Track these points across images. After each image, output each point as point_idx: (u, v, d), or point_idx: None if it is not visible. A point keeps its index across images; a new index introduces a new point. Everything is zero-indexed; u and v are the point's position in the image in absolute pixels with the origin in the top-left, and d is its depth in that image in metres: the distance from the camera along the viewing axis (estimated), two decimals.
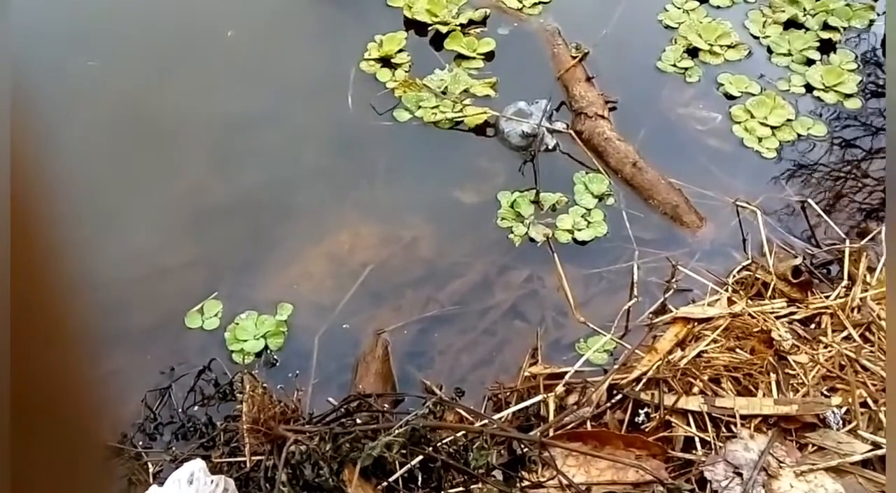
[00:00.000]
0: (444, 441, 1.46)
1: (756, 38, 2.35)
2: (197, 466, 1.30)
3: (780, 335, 1.63)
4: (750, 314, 1.70)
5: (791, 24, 2.37)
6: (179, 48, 2.30)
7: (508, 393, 1.69)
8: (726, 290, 1.81)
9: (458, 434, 1.46)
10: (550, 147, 2.19)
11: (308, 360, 1.78)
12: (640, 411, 1.59)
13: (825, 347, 1.61)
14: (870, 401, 1.52)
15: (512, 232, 2.01)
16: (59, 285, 0.39)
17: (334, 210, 2.05)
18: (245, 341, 1.82)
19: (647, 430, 1.54)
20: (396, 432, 1.36)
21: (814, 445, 1.45)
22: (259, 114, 2.20)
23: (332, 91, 2.27)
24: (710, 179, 2.09)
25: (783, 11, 2.35)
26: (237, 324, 1.84)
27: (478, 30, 2.34)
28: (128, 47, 2.27)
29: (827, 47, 2.32)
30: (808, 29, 2.33)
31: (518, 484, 1.44)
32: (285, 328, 1.84)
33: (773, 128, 2.14)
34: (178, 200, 2.02)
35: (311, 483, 1.31)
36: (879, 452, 1.43)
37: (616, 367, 1.68)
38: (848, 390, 1.52)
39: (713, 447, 1.51)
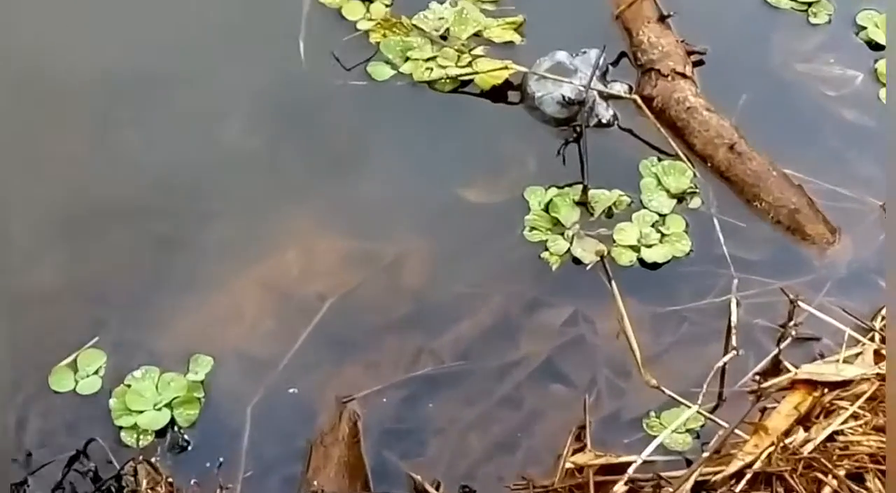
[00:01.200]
0: None
1: None
2: None
3: None
4: None
5: None
6: None
7: None
8: (872, 339, 1.81)
9: None
10: (605, 121, 2.14)
11: (237, 441, 1.76)
12: None
13: None
14: None
15: (547, 249, 1.99)
16: None
17: (276, 214, 2.02)
18: (140, 412, 1.79)
19: None
20: None
21: None
22: (161, 74, 2.18)
23: (275, 36, 2.24)
24: (845, 170, 2.09)
25: None
26: (128, 386, 1.82)
27: None
28: None
29: None
30: None
31: None
32: (201, 393, 1.83)
33: None
34: (44, 197, 2.02)
35: None
36: None
37: (706, 455, 1.66)
38: None
39: None
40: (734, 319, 1.87)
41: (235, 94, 2.19)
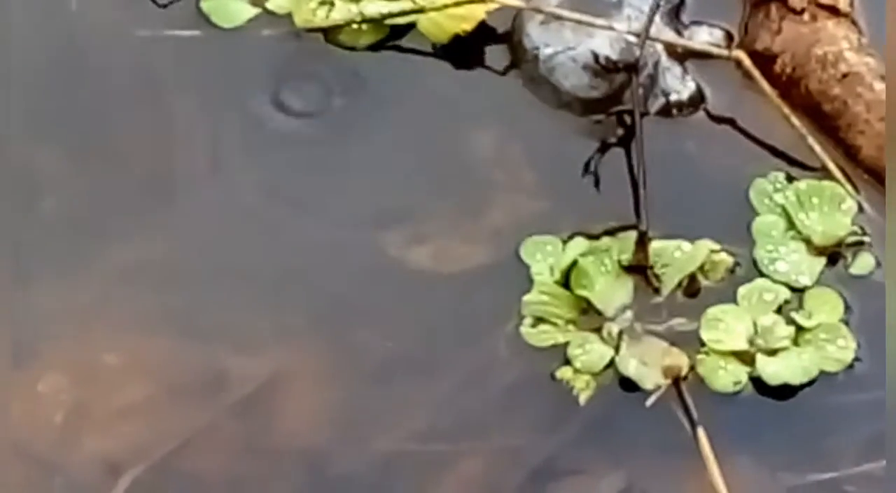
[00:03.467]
0: None
1: None
2: None
3: None
4: None
5: None
6: None
7: None
8: None
9: None
10: (678, 102, 1.98)
11: None
12: None
13: None
14: None
15: (568, 362, 1.80)
16: None
17: (31, 297, 1.90)
18: None
19: None
20: None
21: None
22: None
23: None
24: None
25: None
26: None
27: None
28: None
29: None
30: None
31: None
32: None
33: None
34: None
35: None
36: None
37: None
38: None
39: None
40: None
41: None
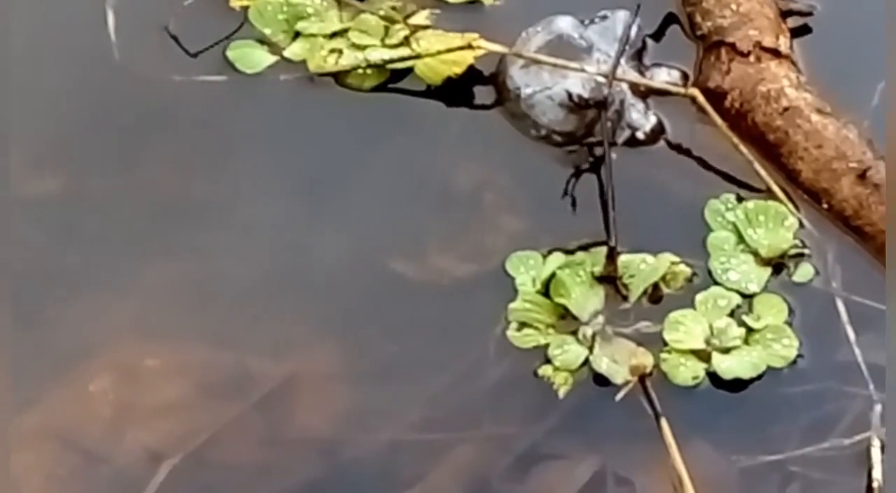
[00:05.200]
0: None
1: None
2: None
3: None
4: None
5: None
6: None
7: None
8: None
9: None
10: (642, 135, 2.07)
11: None
12: None
13: None
14: None
15: (548, 360, 1.88)
16: None
17: (75, 306, 1.96)
18: None
19: None
20: None
21: None
22: None
23: (71, 13, 2.21)
24: None
25: None
26: None
27: None
28: None
29: None
30: None
31: None
32: None
33: None
34: None
35: None
36: None
37: None
38: None
39: None
40: (878, 474, 1.78)
41: (7, 115, 2.12)
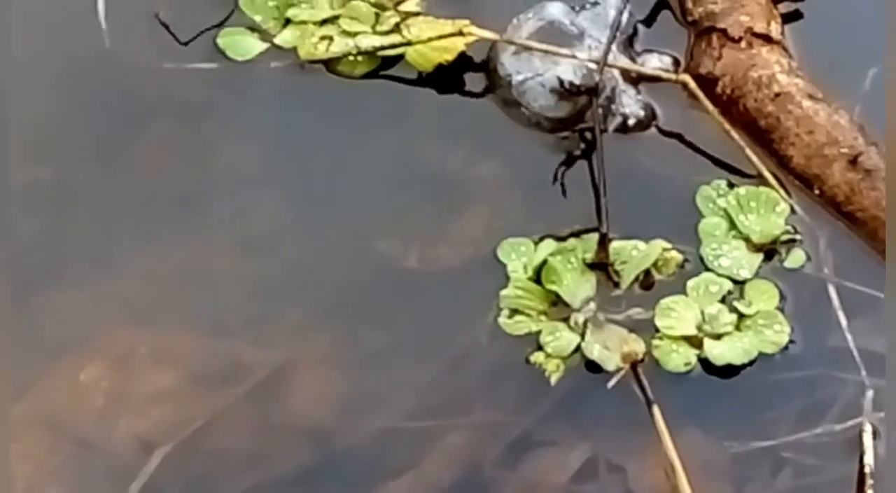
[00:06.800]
0: None
1: None
2: None
3: None
4: None
5: None
6: None
7: None
8: None
9: None
10: (633, 121, 2.07)
11: None
12: None
13: None
14: None
15: (540, 347, 1.88)
16: None
17: (65, 293, 1.97)
18: None
19: None
20: None
21: None
22: None
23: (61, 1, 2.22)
24: None
25: None
26: None
27: None
28: None
29: None
30: None
31: None
32: None
33: None
34: None
35: None
36: None
37: None
38: None
39: None
40: (869, 459, 1.78)
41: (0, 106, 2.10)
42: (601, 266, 1.90)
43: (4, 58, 2.16)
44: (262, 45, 2.12)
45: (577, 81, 2.03)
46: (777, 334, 1.86)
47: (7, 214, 2.05)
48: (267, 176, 2.09)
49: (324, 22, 2.12)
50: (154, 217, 2.07)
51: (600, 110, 2.03)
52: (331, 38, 2.11)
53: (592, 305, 1.88)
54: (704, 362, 1.85)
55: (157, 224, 2.05)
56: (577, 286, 1.89)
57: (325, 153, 2.12)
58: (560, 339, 1.86)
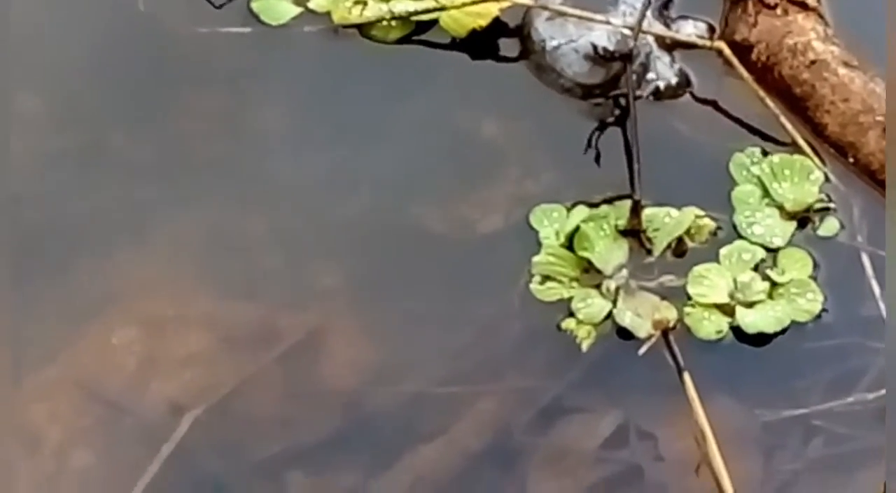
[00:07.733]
0: None
1: None
2: None
3: None
4: None
5: None
6: None
7: None
8: None
9: None
10: (666, 87, 2.08)
11: None
12: None
13: None
14: None
15: (572, 314, 1.89)
16: None
17: (94, 258, 1.97)
18: None
19: None
20: None
21: None
22: None
23: None
24: None
25: None
26: None
27: None
28: None
29: None
30: None
31: None
32: None
33: None
34: None
35: None
36: None
37: None
38: None
39: None
40: None
41: (32, 67, 2.15)
42: (634, 233, 1.90)
43: (39, 23, 2.18)
44: (296, 10, 2.12)
45: (611, 47, 2.04)
46: (810, 302, 1.86)
47: (40, 178, 2.06)
48: (300, 140, 2.10)
49: None
50: (187, 181, 2.08)
51: (634, 77, 2.03)
52: (365, 3, 2.12)
53: (624, 272, 1.88)
54: (736, 330, 1.85)
55: (189, 188, 2.07)
56: (610, 253, 1.89)
57: (359, 118, 2.12)
58: (592, 306, 1.86)
